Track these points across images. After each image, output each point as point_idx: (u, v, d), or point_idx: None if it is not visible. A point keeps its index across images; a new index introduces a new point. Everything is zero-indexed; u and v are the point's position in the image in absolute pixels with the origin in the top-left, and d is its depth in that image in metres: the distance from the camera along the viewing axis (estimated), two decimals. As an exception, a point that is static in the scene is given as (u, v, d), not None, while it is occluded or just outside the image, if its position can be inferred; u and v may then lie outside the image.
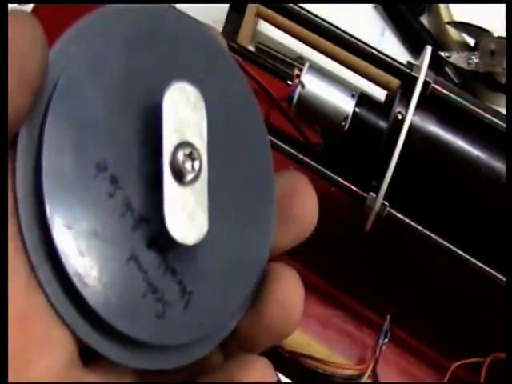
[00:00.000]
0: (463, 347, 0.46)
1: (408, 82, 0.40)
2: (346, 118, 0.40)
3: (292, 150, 0.42)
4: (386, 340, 0.46)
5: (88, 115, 0.20)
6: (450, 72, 0.54)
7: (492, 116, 0.40)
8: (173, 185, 0.20)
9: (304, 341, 0.45)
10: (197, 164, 0.21)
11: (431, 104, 0.40)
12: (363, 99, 0.41)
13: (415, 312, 0.48)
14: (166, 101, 0.20)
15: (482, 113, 0.40)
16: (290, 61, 0.52)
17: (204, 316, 0.22)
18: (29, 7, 0.54)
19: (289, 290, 0.23)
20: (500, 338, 0.41)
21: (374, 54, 0.42)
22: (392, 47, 0.56)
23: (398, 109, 0.40)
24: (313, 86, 0.40)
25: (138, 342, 0.20)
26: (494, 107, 0.43)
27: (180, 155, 0.20)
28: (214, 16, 0.50)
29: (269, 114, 0.44)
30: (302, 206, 0.24)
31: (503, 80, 0.52)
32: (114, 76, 0.20)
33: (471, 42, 0.53)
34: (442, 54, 0.53)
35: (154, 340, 0.21)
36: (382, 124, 0.41)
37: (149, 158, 0.21)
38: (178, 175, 0.20)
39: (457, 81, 0.54)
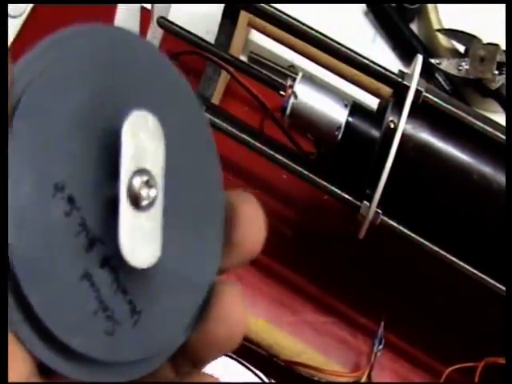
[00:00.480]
0: (457, 352, 0.46)
1: (400, 90, 0.41)
2: (339, 127, 0.40)
3: (285, 160, 0.42)
4: (381, 346, 0.47)
5: (48, 134, 0.20)
6: (440, 78, 0.54)
7: (482, 123, 0.41)
8: (128, 210, 0.21)
9: (299, 349, 0.45)
10: (153, 192, 0.21)
11: (423, 112, 0.41)
12: (356, 108, 0.41)
13: (409, 318, 0.48)
14: (126, 128, 0.21)
15: (473, 120, 0.41)
16: (282, 70, 0.52)
17: (153, 334, 0.23)
18: (29, 7, 0.54)
19: (230, 307, 0.24)
20: (493, 342, 0.41)
21: (366, 63, 0.42)
22: (383, 54, 0.57)
23: (390, 117, 0.40)
24: (306, 96, 0.40)
25: (89, 358, 0.21)
26: (484, 113, 0.43)
27: (137, 182, 0.21)
28: (207, 26, 0.50)
29: (262, 124, 0.44)
30: (245, 233, 0.24)
31: (493, 86, 0.52)
32: (76, 98, 0.21)
33: (461, 48, 0.54)
34: (433, 60, 0.53)
35: (103, 356, 0.21)
36: (375, 133, 0.41)
37: (106, 181, 0.21)
38: (134, 201, 0.21)
39: (447, 87, 0.54)
